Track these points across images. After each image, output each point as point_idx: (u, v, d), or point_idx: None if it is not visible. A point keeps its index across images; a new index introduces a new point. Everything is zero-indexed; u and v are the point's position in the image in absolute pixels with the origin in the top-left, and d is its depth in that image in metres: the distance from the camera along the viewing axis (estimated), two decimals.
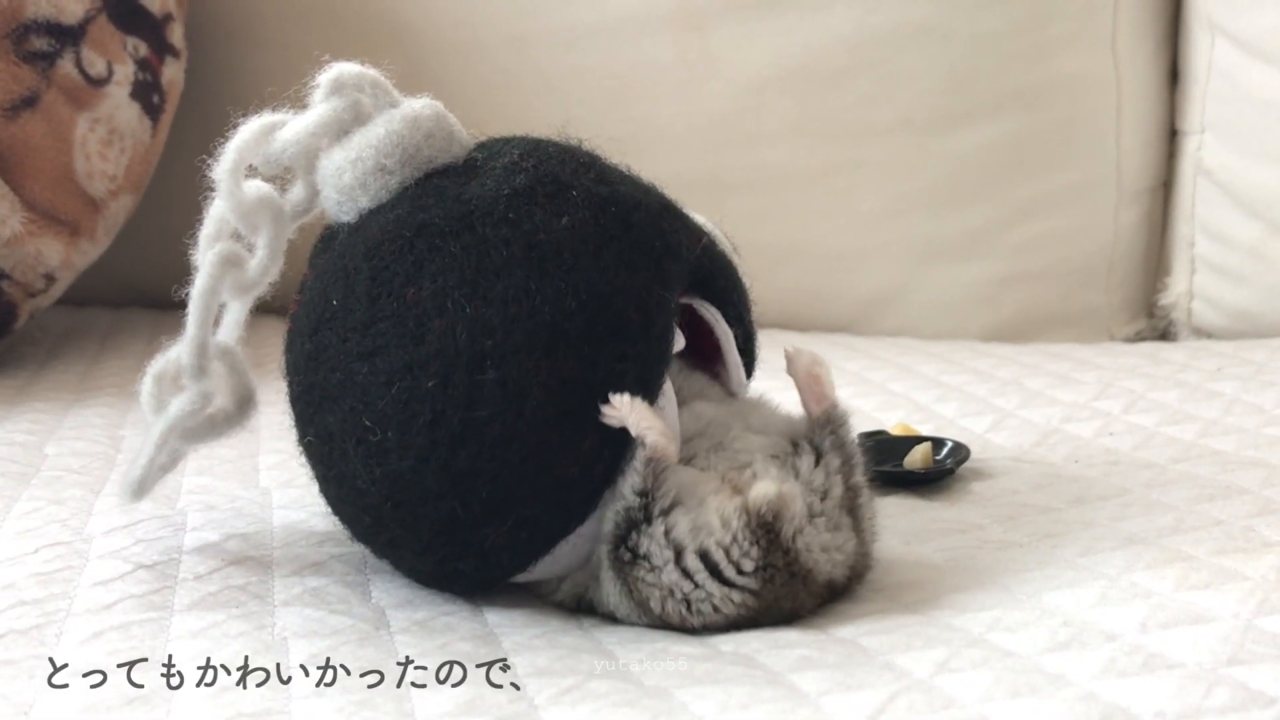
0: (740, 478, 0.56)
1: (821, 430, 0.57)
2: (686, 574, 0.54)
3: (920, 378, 0.96)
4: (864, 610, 0.56)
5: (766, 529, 0.54)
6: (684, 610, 0.54)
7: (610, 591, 0.56)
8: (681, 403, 0.58)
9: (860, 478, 0.58)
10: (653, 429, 0.54)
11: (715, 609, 0.54)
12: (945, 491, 0.72)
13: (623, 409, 0.54)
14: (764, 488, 0.54)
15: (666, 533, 0.54)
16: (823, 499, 0.56)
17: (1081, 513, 0.67)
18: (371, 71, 0.61)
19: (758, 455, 0.57)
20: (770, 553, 0.54)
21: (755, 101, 1.14)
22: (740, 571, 0.54)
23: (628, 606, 0.56)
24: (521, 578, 0.58)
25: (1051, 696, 0.47)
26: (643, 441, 0.54)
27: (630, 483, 0.54)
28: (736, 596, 0.54)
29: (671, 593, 0.54)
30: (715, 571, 0.54)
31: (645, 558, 0.54)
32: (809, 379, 0.59)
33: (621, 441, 0.55)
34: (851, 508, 0.56)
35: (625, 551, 0.54)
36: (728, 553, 0.54)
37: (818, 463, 0.56)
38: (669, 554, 0.54)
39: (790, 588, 0.54)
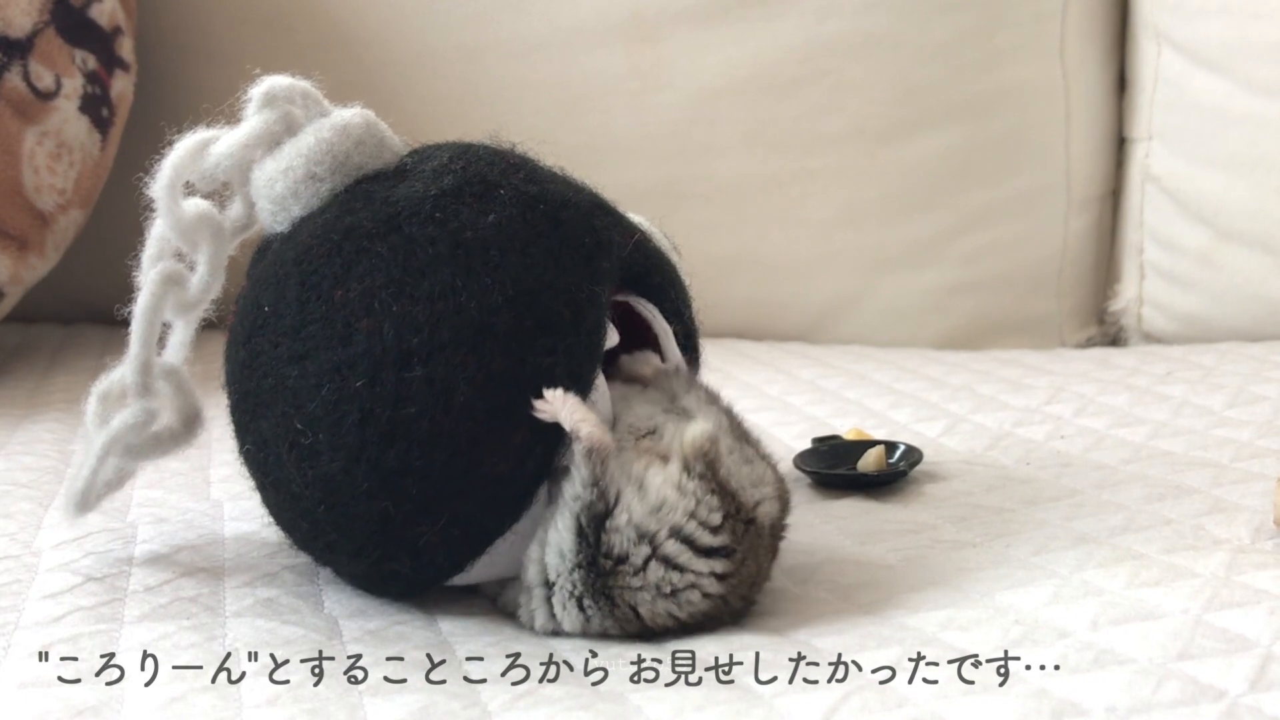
0: (658, 445, 0.56)
1: (669, 379, 0.59)
2: (668, 562, 0.53)
3: (874, 384, 0.96)
4: (818, 611, 0.57)
5: (713, 470, 0.54)
6: (674, 607, 0.53)
7: (570, 616, 0.54)
8: None
9: (725, 402, 0.59)
10: (586, 421, 0.54)
11: (704, 595, 0.53)
12: (898, 494, 0.73)
13: (555, 403, 0.54)
14: (697, 429, 0.55)
15: (629, 520, 0.53)
16: (722, 429, 0.56)
17: (1033, 513, 0.67)
18: (302, 83, 0.61)
19: (661, 419, 0.57)
20: (724, 499, 0.54)
21: (707, 112, 1.15)
22: (713, 531, 0.53)
23: (604, 624, 0.54)
24: (460, 579, 0.58)
25: (1004, 693, 0.47)
26: (577, 435, 0.54)
27: (578, 478, 0.54)
28: (719, 567, 0.53)
29: (659, 589, 0.53)
30: (692, 543, 0.53)
31: (624, 559, 0.53)
32: (632, 366, 0.61)
33: (553, 437, 0.54)
34: (743, 435, 0.57)
35: (605, 560, 0.53)
36: (694, 515, 0.53)
37: (696, 398, 0.58)
38: (646, 549, 0.53)
39: (749, 538, 0.54)
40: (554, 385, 0.54)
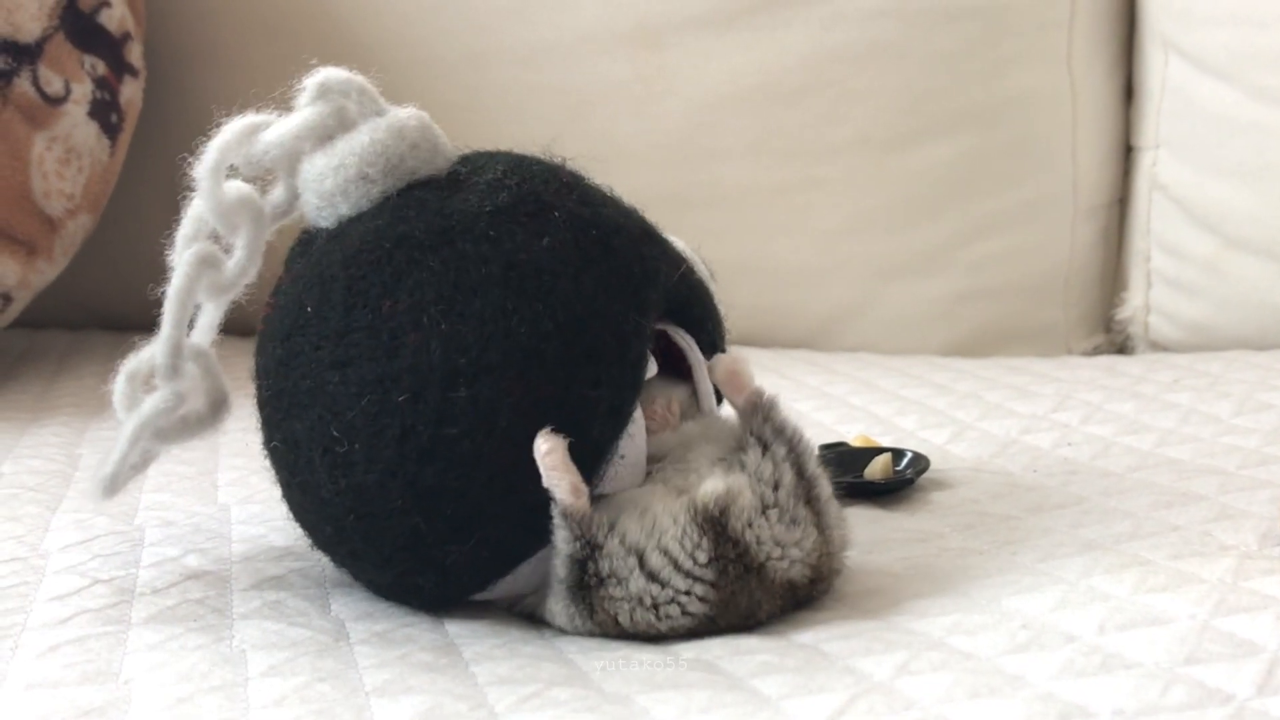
0: (685, 481, 0.56)
1: (755, 418, 0.57)
2: (653, 577, 0.54)
3: (880, 391, 0.96)
4: (825, 617, 0.56)
5: (714, 523, 0.54)
6: (653, 618, 0.54)
7: (560, 613, 0.56)
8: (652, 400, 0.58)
9: (815, 467, 0.57)
10: (559, 486, 0.54)
11: (682, 610, 0.54)
12: (905, 501, 0.73)
13: (539, 455, 0.53)
14: (711, 485, 0.55)
15: (622, 541, 0.54)
16: (775, 489, 0.55)
17: (1040, 520, 0.67)
18: (359, 78, 0.60)
19: (704, 462, 0.57)
20: (720, 544, 0.54)
21: (713, 119, 1.15)
22: (697, 563, 0.54)
23: (588, 627, 0.55)
24: (480, 596, 0.58)
25: (1010, 696, 0.47)
26: (552, 495, 0.54)
27: (560, 535, 0.54)
28: (699, 590, 0.54)
29: (640, 601, 0.54)
30: (676, 564, 0.54)
31: (611, 576, 0.54)
32: (729, 375, 0.59)
33: (589, 467, 0.54)
34: (809, 499, 0.56)
35: (591, 578, 0.54)
36: (682, 545, 0.54)
37: (764, 453, 0.56)
38: (633, 561, 0.54)
39: (744, 582, 0.54)
40: (595, 416, 0.54)
